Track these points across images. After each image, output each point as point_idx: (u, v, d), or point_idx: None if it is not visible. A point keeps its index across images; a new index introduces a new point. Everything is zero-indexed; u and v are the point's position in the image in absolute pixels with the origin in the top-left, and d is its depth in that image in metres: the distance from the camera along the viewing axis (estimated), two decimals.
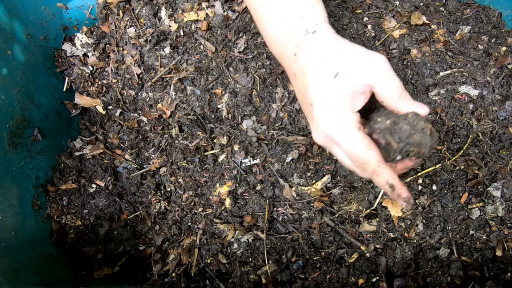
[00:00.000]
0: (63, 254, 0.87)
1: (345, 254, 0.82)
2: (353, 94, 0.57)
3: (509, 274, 0.76)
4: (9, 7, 0.83)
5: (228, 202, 0.87)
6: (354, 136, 0.56)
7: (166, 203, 0.91)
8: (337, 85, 0.56)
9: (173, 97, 0.93)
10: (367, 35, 0.94)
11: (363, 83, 0.57)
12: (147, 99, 0.95)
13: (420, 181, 0.83)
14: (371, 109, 0.64)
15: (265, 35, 0.68)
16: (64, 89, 0.96)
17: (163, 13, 0.93)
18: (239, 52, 0.90)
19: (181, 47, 0.93)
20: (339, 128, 0.56)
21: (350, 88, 0.57)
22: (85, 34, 0.96)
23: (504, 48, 0.88)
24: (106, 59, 0.96)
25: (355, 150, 0.56)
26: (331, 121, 0.57)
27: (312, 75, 0.59)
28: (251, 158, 0.89)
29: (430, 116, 0.59)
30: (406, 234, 0.81)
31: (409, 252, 0.80)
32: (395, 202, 0.82)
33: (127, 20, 0.94)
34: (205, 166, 0.91)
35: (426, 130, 0.57)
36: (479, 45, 0.89)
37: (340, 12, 0.95)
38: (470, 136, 0.83)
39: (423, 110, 0.60)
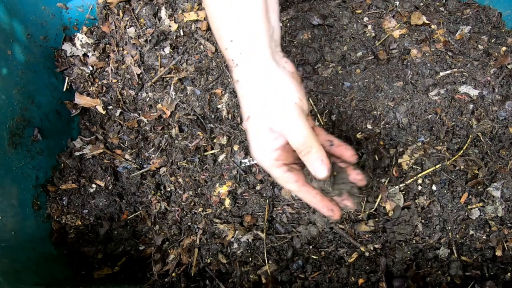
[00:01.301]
0: (63, 254, 0.87)
1: (345, 254, 0.82)
2: (268, 135, 0.59)
3: (509, 274, 0.76)
4: (9, 7, 0.83)
5: (228, 202, 0.87)
6: (272, 172, 0.62)
7: (166, 203, 0.91)
8: (251, 127, 0.60)
9: (173, 97, 0.93)
10: (367, 35, 0.94)
11: (274, 129, 0.59)
12: (147, 99, 0.95)
13: (420, 181, 0.83)
14: None
15: None
16: (64, 89, 0.96)
17: (163, 13, 0.93)
18: None
19: (181, 47, 0.93)
20: (261, 163, 0.62)
21: (261, 131, 0.59)
22: (85, 34, 0.96)
23: (504, 48, 0.88)
24: (106, 59, 0.96)
25: (277, 182, 0.64)
26: (255, 155, 0.62)
27: (241, 110, 0.62)
28: (251, 158, 0.89)
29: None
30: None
31: (409, 252, 0.80)
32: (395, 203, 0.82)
33: (127, 20, 0.94)
34: (205, 166, 0.91)
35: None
36: (479, 45, 0.89)
37: (340, 12, 0.95)
38: (470, 136, 0.83)
39: (320, 173, 0.59)
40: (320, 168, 0.58)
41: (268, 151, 0.60)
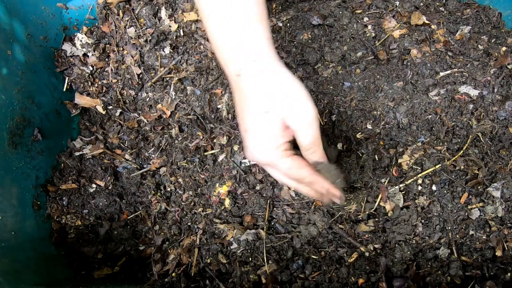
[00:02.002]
0: (63, 254, 0.87)
1: (345, 254, 0.82)
2: (283, 129, 0.61)
3: (509, 274, 0.76)
4: (9, 7, 0.83)
5: (227, 202, 0.87)
6: (285, 161, 0.63)
7: (166, 203, 0.91)
8: (268, 120, 0.61)
9: (173, 97, 0.93)
10: (367, 35, 0.94)
11: (288, 125, 0.61)
12: (147, 99, 0.95)
13: (420, 181, 0.83)
14: None
15: (212, 45, 0.67)
16: (64, 89, 0.96)
17: (163, 13, 0.93)
18: None
19: (181, 47, 0.93)
20: (272, 157, 0.63)
21: (279, 124, 0.60)
22: (85, 34, 0.96)
23: (504, 48, 0.88)
24: (106, 59, 0.96)
25: (289, 172, 0.65)
26: (264, 150, 0.63)
27: (248, 105, 0.62)
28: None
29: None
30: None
31: (409, 252, 0.80)
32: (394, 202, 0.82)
33: (127, 20, 0.94)
34: (205, 166, 0.91)
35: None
36: (479, 45, 0.89)
37: (340, 12, 0.95)
38: (470, 136, 0.83)
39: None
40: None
41: (278, 144, 0.62)
